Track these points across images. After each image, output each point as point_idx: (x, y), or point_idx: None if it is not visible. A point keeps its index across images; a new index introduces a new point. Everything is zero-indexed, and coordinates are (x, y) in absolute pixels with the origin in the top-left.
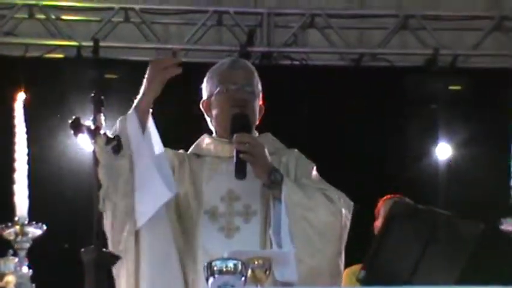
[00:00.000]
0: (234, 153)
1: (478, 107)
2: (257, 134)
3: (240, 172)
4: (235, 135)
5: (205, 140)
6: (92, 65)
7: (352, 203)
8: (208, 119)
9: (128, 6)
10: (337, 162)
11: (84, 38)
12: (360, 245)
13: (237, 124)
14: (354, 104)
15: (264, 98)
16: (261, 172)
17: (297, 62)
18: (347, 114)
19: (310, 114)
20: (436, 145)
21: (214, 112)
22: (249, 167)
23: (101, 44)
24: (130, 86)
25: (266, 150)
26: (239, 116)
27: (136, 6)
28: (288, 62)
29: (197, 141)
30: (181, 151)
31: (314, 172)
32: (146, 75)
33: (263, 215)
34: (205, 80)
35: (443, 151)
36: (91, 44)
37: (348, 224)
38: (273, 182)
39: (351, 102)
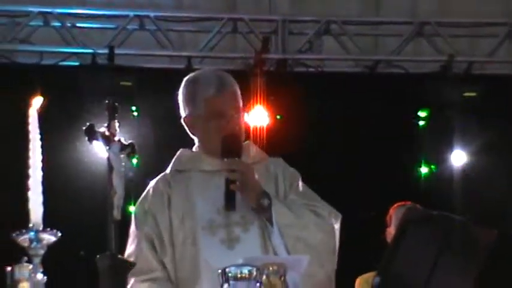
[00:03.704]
0: (224, 183)
1: (493, 114)
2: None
3: (230, 204)
4: (225, 162)
5: (186, 155)
6: (107, 72)
7: (340, 215)
8: (189, 131)
9: (142, 13)
10: (351, 169)
11: (99, 45)
12: (370, 253)
13: (228, 148)
14: (369, 111)
15: (278, 105)
16: (250, 198)
17: (312, 69)
18: (362, 120)
19: (325, 121)
20: (451, 152)
21: (200, 132)
22: None
23: (116, 51)
24: (145, 93)
25: (256, 175)
26: (230, 139)
27: (151, 14)
28: (303, 69)
29: (177, 157)
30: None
31: (300, 183)
32: None
33: (260, 223)
34: (185, 92)
35: (458, 158)
36: (106, 51)
37: (338, 236)
38: (261, 206)
39: (366, 109)
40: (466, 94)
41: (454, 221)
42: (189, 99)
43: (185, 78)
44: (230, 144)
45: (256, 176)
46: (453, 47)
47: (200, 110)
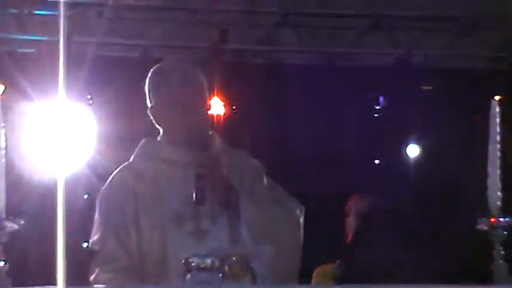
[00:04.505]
0: (193, 177)
1: (449, 107)
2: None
3: (200, 198)
4: (193, 155)
5: (152, 145)
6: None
7: (303, 207)
8: (155, 122)
9: (100, 1)
10: (309, 160)
11: (56, 33)
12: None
13: (196, 142)
14: (327, 103)
15: (235, 96)
16: (218, 193)
17: (269, 60)
18: (320, 112)
19: (282, 113)
20: (407, 144)
21: (166, 123)
22: None
23: (74, 39)
24: (102, 81)
25: (224, 170)
26: (196, 133)
27: (109, 2)
28: (260, 60)
29: (141, 147)
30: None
31: (265, 176)
32: None
33: (228, 215)
34: (151, 82)
35: (413, 150)
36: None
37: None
38: (229, 200)
39: (323, 100)
40: (423, 87)
41: (411, 211)
42: (154, 90)
43: (152, 69)
44: (198, 138)
45: (224, 170)
46: (410, 40)
47: (165, 101)
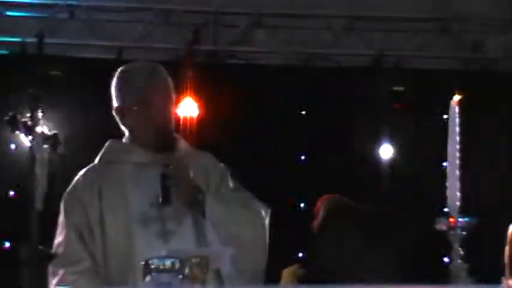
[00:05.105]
0: (159, 178)
1: (421, 108)
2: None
3: (166, 199)
4: (160, 158)
5: (116, 146)
6: (36, 61)
7: (269, 209)
8: (120, 122)
9: (74, 3)
10: (283, 161)
11: (28, 34)
12: (299, 245)
13: (162, 143)
14: (300, 104)
15: (208, 97)
16: (184, 194)
17: (243, 62)
18: (293, 113)
19: (256, 114)
20: (380, 145)
21: (132, 123)
22: None
23: (46, 40)
24: (75, 83)
25: (191, 172)
26: (163, 134)
27: (83, 3)
28: (234, 61)
29: (106, 148)
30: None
31: (230, 178)
32: None
33: (194, 216)
34: (118, 81)
35: (386, 151)
36: (35, 40)
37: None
38: (195, 201)
39: (297, 102)
40: (395, 88)
41: (377, 213)
42: (121, 89)
43: (118, 69)
44: (164, 138)
45: (191, 172)
46: (383, 42)
47: (132, 100)
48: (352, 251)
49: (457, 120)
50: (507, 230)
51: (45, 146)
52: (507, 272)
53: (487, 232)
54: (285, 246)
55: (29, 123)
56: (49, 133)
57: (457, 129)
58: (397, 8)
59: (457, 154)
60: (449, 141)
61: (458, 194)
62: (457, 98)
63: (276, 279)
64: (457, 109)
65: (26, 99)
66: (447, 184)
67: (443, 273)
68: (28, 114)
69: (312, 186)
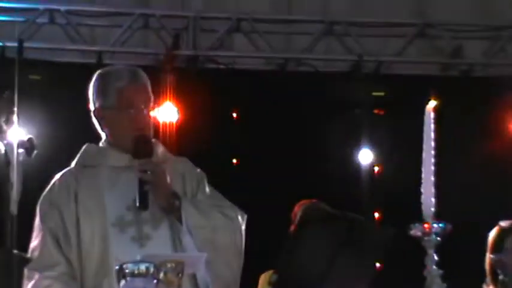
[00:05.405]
0: (137, 183)
1: (401, 113)
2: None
3: (143, 204)
4: (138, 163)
5: (93, 150)
6: (15, 65)
7: (245, 215)
8: (98, 125)
9: (53, 7)
10: (259, 166)
11: (8, 38)
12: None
13: (140, 148)
14: (279, 109)
15: (188, 102)
16: (161, 199)
17: (222, 66)
18: (271, 118)
19: (235, 118)
20: (359, 150)
21: (110, 126)
22: None
23: (26, 44)
24: (54, 87)
25: (168, 177)
26: (141, 139)
27: (62, 8)
28: (213, 66)
29: (83, 152)
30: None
31: (207, 184)
32: None
33: (170, 221)
34: (97, 84)
35: (366, 156)
36: (15, 44)
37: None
38: (171, 207)
39: (275, 106)
40: (375, 93)
41: (352, 219)
42: (101, 91)
43: (97, 72)
44: (142, 144)
45: (168, 177)
46: (363, 47)
47: (112, 101)
48: (324, 257)
49: (432, 126)
50: (487, 237)
51: (20, 150)
52: (488, 278)
53: (466, 238)
54: (262, 251)
55: (4, 127)
56: (24, 137)
57: (432, 135)
58: (377, 13)
59: (432, 160)
60: (425, 147)
61: (433, 199)
62: (432, 104)
63: (254, 285)
64: (432, 115)
65: (0, 103)
66: (422, 190)
67: (418, 280)
68: (3, 119)
69: (291, 192)
